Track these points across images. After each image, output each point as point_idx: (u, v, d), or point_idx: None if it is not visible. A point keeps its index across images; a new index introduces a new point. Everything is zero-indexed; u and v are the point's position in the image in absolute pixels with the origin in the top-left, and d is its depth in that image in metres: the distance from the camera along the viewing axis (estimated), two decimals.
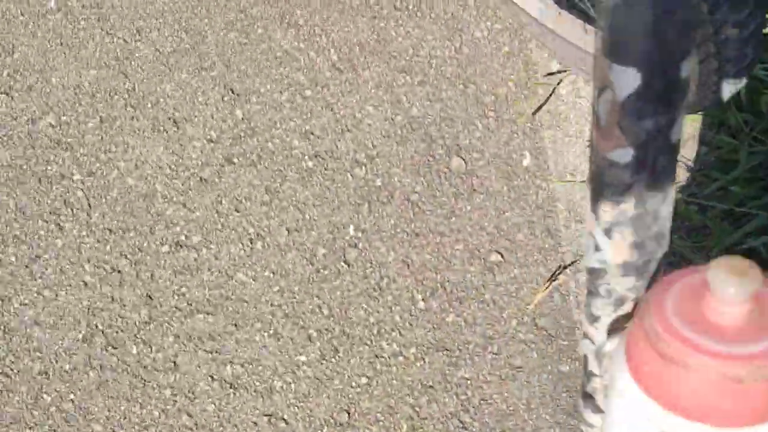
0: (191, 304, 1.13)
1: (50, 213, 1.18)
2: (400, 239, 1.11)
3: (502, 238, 1.09)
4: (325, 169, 1.14)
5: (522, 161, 1.10)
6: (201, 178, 1.17)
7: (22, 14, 1.25)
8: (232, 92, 1.18)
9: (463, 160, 1.11)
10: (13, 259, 1.17)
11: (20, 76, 1.23)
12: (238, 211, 1.15)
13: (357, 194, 1.13)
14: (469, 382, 1.05)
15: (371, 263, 1.11)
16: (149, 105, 1.20)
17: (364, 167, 1.13)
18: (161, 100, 1.20)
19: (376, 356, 1.08)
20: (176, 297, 1.13)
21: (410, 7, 1.15)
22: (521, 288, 1.08)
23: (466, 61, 1.13)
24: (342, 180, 1.14)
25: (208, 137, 1.18)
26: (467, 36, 1.13)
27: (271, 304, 1.11)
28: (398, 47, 1.15)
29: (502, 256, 1.08)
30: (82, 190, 1.19)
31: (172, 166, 1.18)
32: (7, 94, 1.23)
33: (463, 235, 1.10)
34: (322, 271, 1.12)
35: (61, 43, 1.24)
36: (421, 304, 1.09)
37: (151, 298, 1.13)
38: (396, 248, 1.11)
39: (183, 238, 1.16)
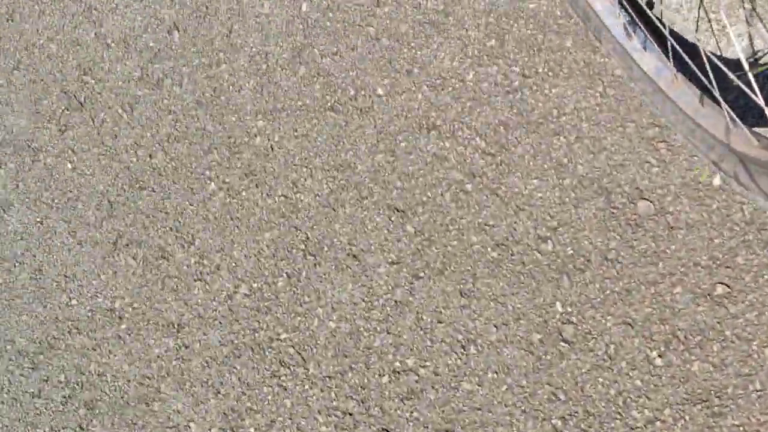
0: (427, 426, 1.12)
1: (271, 377, 1.23)
2: (613, 301, 1.06)
3: (721, 267, 1.01)
4: (512, 255, 1.12)
5: (712, 182, 1.03)
6: (395, 302, 1.18)
7: (190, 204, 1.35)
8: (397, 210, 1.20)
9: (649, 201, 1.06)
10: (252, 430, 1.22)
11: (207, 260, 1.32)
12: (441, 323, 1.15)
13: (552, 269, 1.10)
14: (741, 428, 0.97)
15: (591, 334, 1.06)
16: (326, 248, 1.24)
17: (549, 241, 1.10)
18: (335, 240, 1.23)
19: (632, 428, 1.02)
20: (411, 423, 1.13)
21: (539, 70, 1.13)
22: (762, 313, 0.99)
23: (615, 102, 1.09)
24: (532, 260, 1.11)
25: (390, 260, 1.19)
26: (608, 78, 1.09)
27: (505, 405, 1.09)
28: (542, 112, 1.13)
29: (727, 286, 1.01)
30: (292, 346, 1.23)
31: (365, 299, 1.20)
32: (201, 280, 1.32)
33: (677, 276, 1.03)
34: (544, 357, 1.08)
35: (231, 218, 1.31)
36: (659, 361, 1.02)
37: (387, 431, 1.14)
38: (612, 311, 1.06)
39: (398, 364, 1.16)
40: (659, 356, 1.02)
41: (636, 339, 1.04)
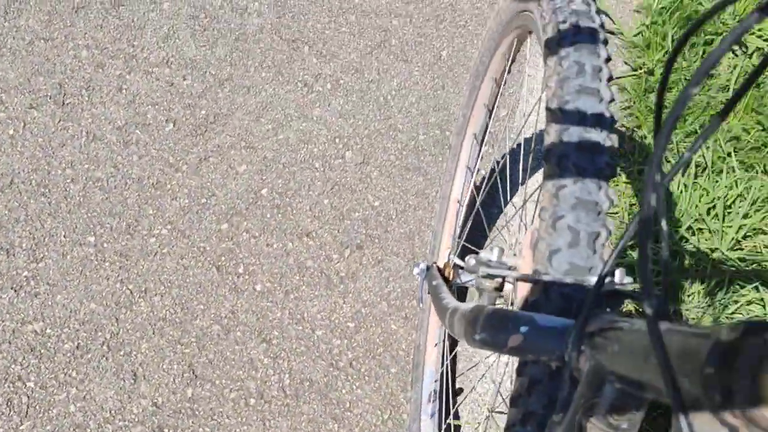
0: None
1: None
2: None
3: None
4: None
5: None
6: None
7: (64, 237, 1.49)
8: (193, 373, 1.37)
9: None
10: None
11: (34, 282, 1.43)
12: None
13: None
14: None
15: None
16: (122, 353, 1.38)
17: None
18: (134, 353, 1.38)
19: None
20: None
21: (362, 370, 1.38)
22: None
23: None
24: None
25: (155, 401, 1.33)
26: (396, 410, 1.34)
27: None
28: (340, 397, 1.36)
29: None
30: (28, 396, 1.32)
31: (113, 412, 1.32)
32: (15, 291, 1.42)
33: None
34: None
35: (82, 273, 1.45)
36: None
37: None
38: None
39: None
40: None
41: None
